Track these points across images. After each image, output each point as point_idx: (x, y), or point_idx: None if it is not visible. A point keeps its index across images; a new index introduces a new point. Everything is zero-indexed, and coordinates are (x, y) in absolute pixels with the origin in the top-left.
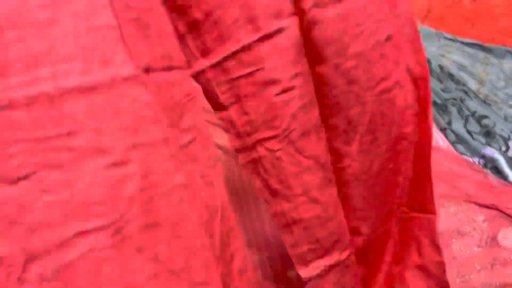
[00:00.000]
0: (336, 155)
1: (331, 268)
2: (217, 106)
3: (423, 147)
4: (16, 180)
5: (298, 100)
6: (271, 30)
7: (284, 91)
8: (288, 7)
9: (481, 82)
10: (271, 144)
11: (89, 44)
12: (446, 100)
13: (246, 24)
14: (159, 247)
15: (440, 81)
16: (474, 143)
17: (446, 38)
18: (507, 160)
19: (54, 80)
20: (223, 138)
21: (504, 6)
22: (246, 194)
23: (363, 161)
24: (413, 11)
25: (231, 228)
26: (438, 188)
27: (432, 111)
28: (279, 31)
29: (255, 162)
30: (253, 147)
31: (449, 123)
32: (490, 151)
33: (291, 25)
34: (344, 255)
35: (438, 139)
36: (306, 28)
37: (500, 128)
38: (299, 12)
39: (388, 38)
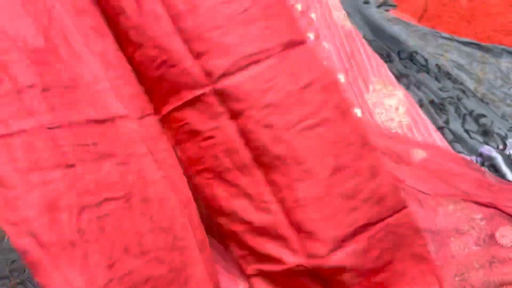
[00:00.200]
0: (275, 187)
1: None
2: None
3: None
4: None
5: (219, 145)
6: (190, 97)
7: (205, 139)
8: (203, 80)
9: (478, 81)
10: (204, 175)
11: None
12: (443, 99)
13: (173, 94)
14: (152, 212)
15: (438, 80)
16: (471, 142)
17: (443, 37)
18: (504, 158)
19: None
20: None
21: (500, 4)
22: None
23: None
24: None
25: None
26: (436, 187)
27: (429, 110)
28: (197, 98)
29: (196, 187)
30: (194, 175)
31: (447, 122)
32: (487, 150)
33: (206, 91)
34: None
35: (436, 138)
36: (219, 92)
37: (498, 127)
38: (211, 82)
39: (308, 85)
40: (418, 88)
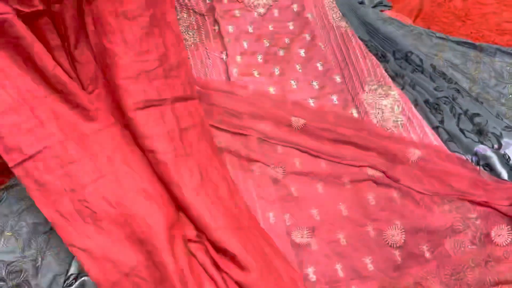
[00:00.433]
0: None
1: None
2: None
3: None
4: None
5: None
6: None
7: None
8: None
9: (473, 81)
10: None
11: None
12: (438, 98)
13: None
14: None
15: (432, 80)
16: (466, 141)
17: (438, 37)
18: (499, 157)
19: None
20: None
21: (494, 4)
22: None
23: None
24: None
25: None
26: (432, 186)
27: (424, 110)
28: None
29: None
30: None
31: (442, 121)
32: (482, 149)
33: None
34: None
35: (431, 137)
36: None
37: (492, 126)
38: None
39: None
40: (413, 88)
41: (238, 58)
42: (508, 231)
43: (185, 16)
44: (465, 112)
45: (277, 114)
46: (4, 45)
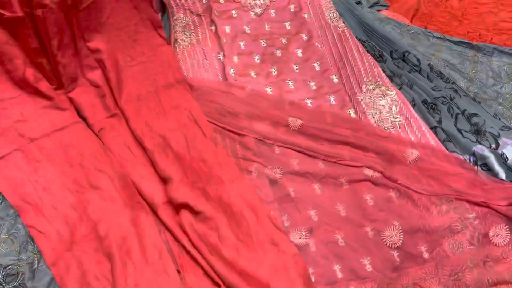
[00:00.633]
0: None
1: None
2: None
3: None
4: None
5: None
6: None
7: None
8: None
9: (470, 80)
10: None
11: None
12: (436, 98)
13: None
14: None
15: (430, 80)
16: (464, 141)
17: (435, 37)
18: (497, 157)
19: None
20: None
21: (491, 3)
22: None
23: None
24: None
25: None
26: (430, 187)
27: (422, 110)
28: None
29: None
30: None
31: (439, 121)
32: (480, 149)
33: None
34: None
35: (429, 137)
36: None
37: (490, 126)
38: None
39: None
40: (411, 87)
41: (235, 59)
42: (506, 231)
43: (181, 16)
44: (463, 112)
45: (274, 114)
46: None
